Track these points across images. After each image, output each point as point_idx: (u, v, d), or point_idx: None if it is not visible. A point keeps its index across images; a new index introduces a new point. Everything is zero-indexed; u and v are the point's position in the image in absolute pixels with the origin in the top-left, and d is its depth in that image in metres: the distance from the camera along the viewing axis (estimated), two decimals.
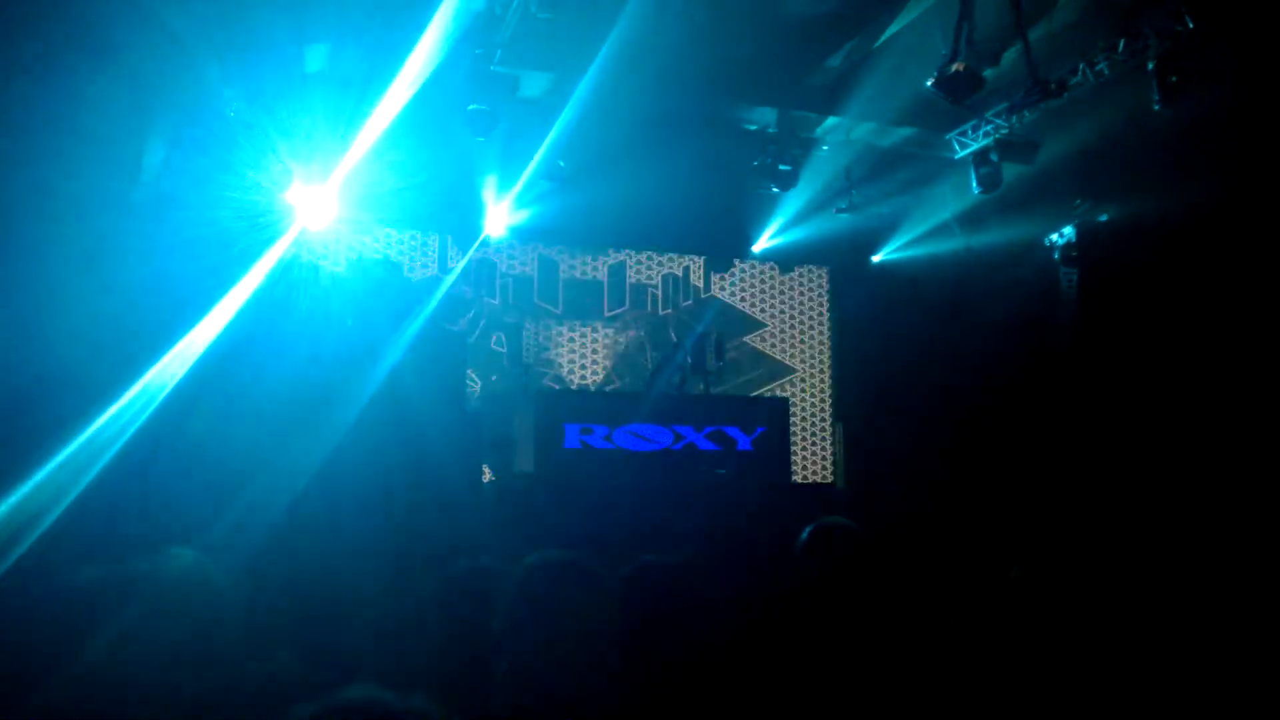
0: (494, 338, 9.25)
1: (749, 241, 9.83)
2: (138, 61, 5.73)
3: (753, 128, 8.44)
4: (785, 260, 10.18)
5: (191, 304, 6.06)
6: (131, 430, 4.97)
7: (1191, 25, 6.18)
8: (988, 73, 6.26)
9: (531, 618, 2.05)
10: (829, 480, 9.94)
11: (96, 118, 5.99)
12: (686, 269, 10.13)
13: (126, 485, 4.61)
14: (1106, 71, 6.86)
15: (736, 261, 10.12)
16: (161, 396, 5.23)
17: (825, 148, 8.56)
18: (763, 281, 10.33)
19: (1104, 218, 8.07)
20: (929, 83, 5.94)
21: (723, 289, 10.17)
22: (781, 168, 8.46)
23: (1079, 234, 8.07)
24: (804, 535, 2.75)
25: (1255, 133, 6.58)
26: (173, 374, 5.45)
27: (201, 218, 6.54)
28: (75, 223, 5.72)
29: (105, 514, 4.25)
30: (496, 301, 9.41)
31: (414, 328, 7.57)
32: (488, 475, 7.69)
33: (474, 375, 9.10)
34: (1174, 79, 6.26)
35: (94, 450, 4.76)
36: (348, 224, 8.77)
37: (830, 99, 7.74)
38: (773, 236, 9.69)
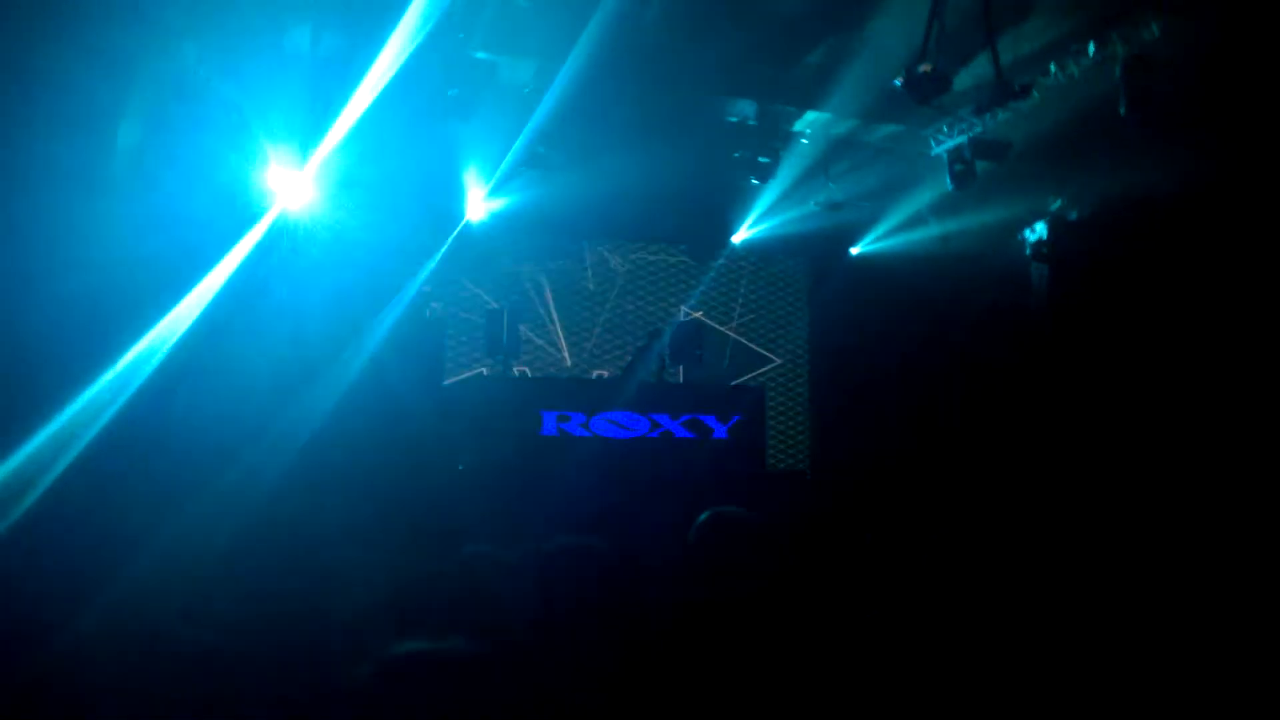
0: (472, 324, 9.28)
1: (729, 232, 9.92)
2: (112, 39, 5.68)
3: (733, 120, 8.52)
4: (765, 251, 10.29)
5: (170, 285, 6.04)
6: (110, 411, 4.97)
7: (1158, 34, 6.34)
8: (960, 72, 6.37)
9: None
10: (802, 468, 10.09)
11: (69, 96, 5.93)
12: (667, 258, 10.20)
13: (105, 465, 4.61)
14: (1076, 74, 7.01)
15: (718, 252, 10.21)
16: (141, 378, 5.23)
17: (805, 141, 8.66)
18: (743, 272, 10.44)
19: (1074, 215, 8.25)
20: (896, 82, 6.06)
21: (703, 278, 10.26)
22: (761, 160, 8.54)
23: (1050, 230, 8.24)
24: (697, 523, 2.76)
25: (1222, 124, 6.75)
26: (152, 355, 5.44)
27: (179, 198, 6.50)
28: (50, 201, 5.68)
29: (85, 494, 4.26)
30: (476, 287, 9.43)
31: (393, 312, 7.60)
32: (465, 460, 7.75)
33: (452, 360, 9.12)
34: (1141, 85, 6.42)
35: (72, 430, 4.76)
36: (327, 206, 8.73)
37: (809, 94, 7.82)
38: (752, 228, 9.79)
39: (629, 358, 8.99)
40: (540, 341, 9.65)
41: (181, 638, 2.11)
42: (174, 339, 5.75)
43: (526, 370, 9.41)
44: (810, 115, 8.34)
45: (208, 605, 2.49)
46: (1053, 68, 7.16)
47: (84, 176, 6.23)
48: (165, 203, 6.31)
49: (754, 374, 10.32)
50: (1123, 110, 6.61)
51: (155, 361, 5.35)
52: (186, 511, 3.57)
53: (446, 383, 8.83)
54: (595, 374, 9.70)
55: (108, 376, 5.10)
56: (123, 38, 6.23)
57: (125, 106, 6.73)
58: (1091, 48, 6.89)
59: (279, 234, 8.12)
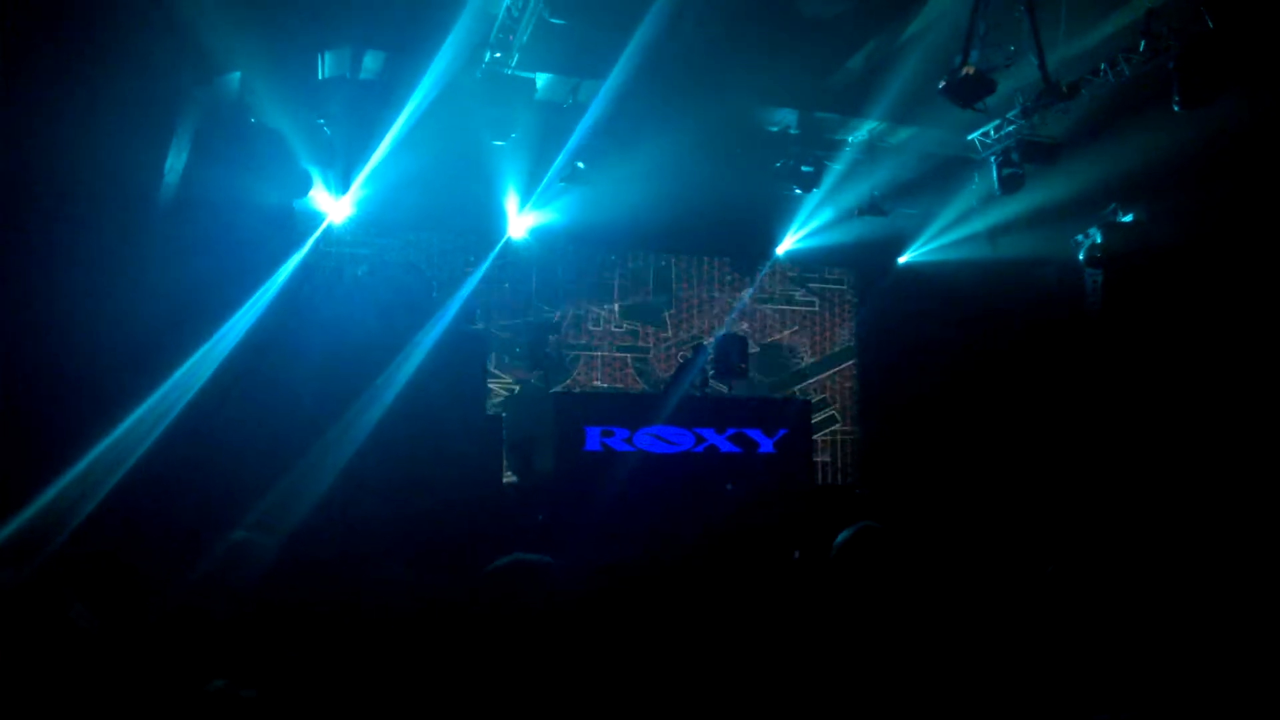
0: (515, 339, 9.28)
1: (774, 243, 9.81)
2: (160, 66, 5.81)
3: (774, 129, 8.43)
4: (810, 262, 10.14)
5: (216, 306, 6.12)
6: (157, 431, 5.02)
7: (1212, 25, 6.11)
8: (1005, 74, 6.22)
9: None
10: (850, 483, 9.88)
11: (119, 122, 6.07)
12: (711, 271, 10.11)
13: (152, 485, 4.66)
14: (1127, 72, 6.80)
15: (761, 263, 10.10)
16: (187, 397, 5.29)
17: (847, 149, 8.53)
18: (788, 283, 10.30)
19: (1129, 218, 7.98)
20: (939, 86, 5.93)
21: (748, 290, 10.15)
22: (804, 169, 8.43)
23: (1104, 235, 7.98)
24: (840, 540, 2.71)
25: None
26: (198, 375, 5.51)
27: (225, 221, 6.61)
28: (100, 225, 5.80)
29: (134, 507, 4.30)
30: (518, 303, 9.43)
31: (436, 329, 7.62)
32: (508, 477, 7.71)
33: (495, 376, 9.12)
34: (1195, 79, 6.20)
35: (119, 452, 4.82)
36: (370, 227, 8.84)
37: (851, 100, 7.71)
38: (797, 238, 9.66)
39: (673, 372, 8.89)
40: (583, 356, 9.61)
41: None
42: (219, 358, 5.82)
43: (569, 386, 9.38)
44: (852, 122, 8.22)
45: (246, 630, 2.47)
46: (1103, 66, 6.94)
47: (134, 205, 6.36)
48: (212, 227, 6.42)
49: (799, 385, 10.15)
50: (1176, 106, 6.38)
51: (200, 380, 5.41)
52: (229, 531, 3.56)
53: (490, 399, 8.83)
54: (637, 389, 9.62)
55: (155, 395, 5.16)
56: (170, 69, 6.38)
57: (174, 136, 6.88)
58: (1142, 45, 6.67)
59: (322, 255, 8.24)
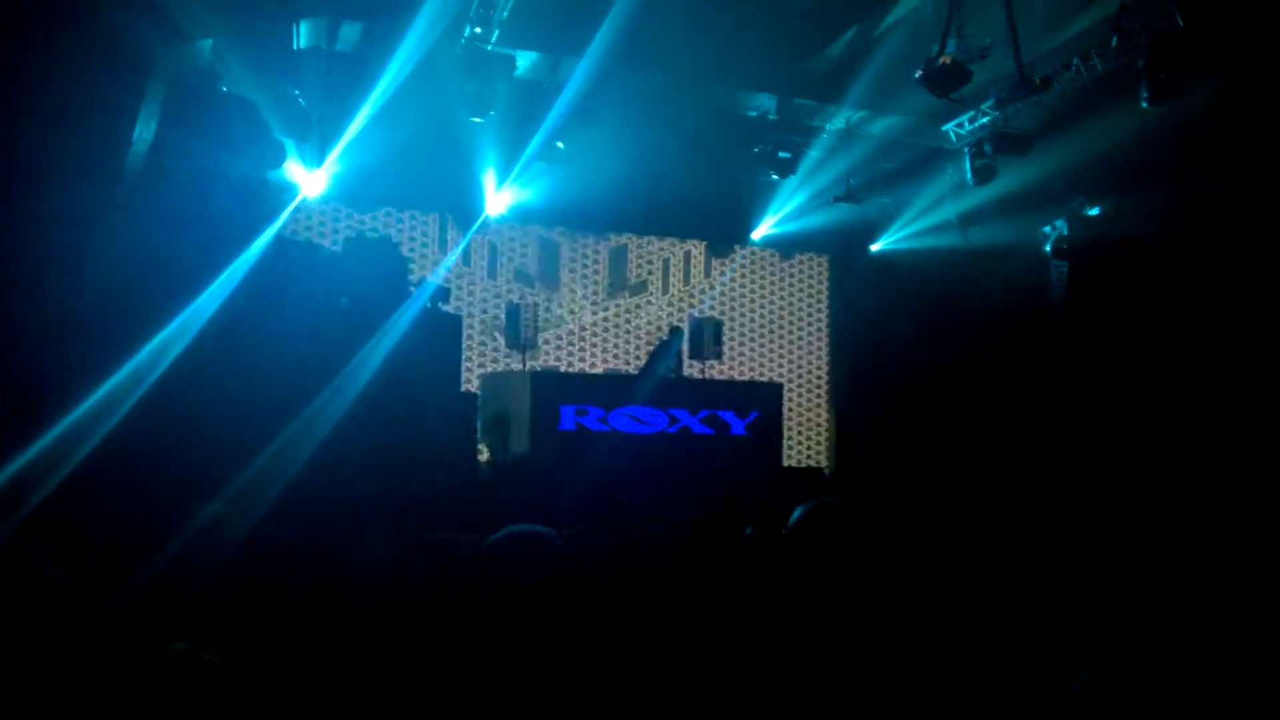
0: (492, 318, 9.26)
1: (749, 228, 9.86)
2: (128, 36, 5.68)
3: (753, 114, 8.46)
4: (785, 247, 10.21)
5: (188, 280, 6.04)
6: (126, 406, 4.97)
7: (1182, 24, 6.25)
8: (981, 66, 6.31)
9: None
10: (820, 465, 10.03)
11: (84, 91, 5.93)
12: (688, 254, 10.15)
13: (120, 458, 4.61)
14: (1100, 67, 6.92)
15: (737, 247, 10.15)
16: (157, 372, 5.23)
17: (825, 135, 8.59)
18: (763, 268, 10.37)
19: (1094, 211, 8.15)
20: (916, 75, 6.00)
21: (723, 274, 10.21)
22: (781, 155, 8.48)
23: (1071, 228, 8.16)
24: (797, 514, 2.77)
25: (1246, 130, 6.66)
26: (169, 349, 5.45)
27: (196, 192, 6.51)
28: (65, 195, 5.69)
29: (100, 488, 4.26)
30: (495, 282, 9.41)
31: (412, 307, 7.58)
32: (484, 455, 7.73)
33: (471, 355, 9.11)
34: (1163, 76, 6.33)
35: (88, 424, 4.76)
36: (345, 202, 8.74)
37: (829, 88, 7.76)
38: (773, 223, 9.73)
39: (648, 353, 8.95)
40: (560, 336, 9.63)
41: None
42: (191, 333, 5.75)
43: (545, 365, 9.39)
44: (830, 109, 8.27)
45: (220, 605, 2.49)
46: (1075, 61, 7.06)
47: (101, 173, 6.24)
48: (183, 198, 6.31)
49: (771, 369, 10.26)
50: (1145, 103, 6.52)
51: (171, 356, 5.35)
52: (202, 507, 3.55)
53: (465, 377, 8.83)
54: (613, 369, 9.66)
55: (124, 371, 5.10)
56: (139, 34, 6.23)
57: (142, 103, 6.73)
58: (1114, 41, 6.79)
59: (296, 230, 8.14)
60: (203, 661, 1.95)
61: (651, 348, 8.86)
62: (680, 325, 8.81)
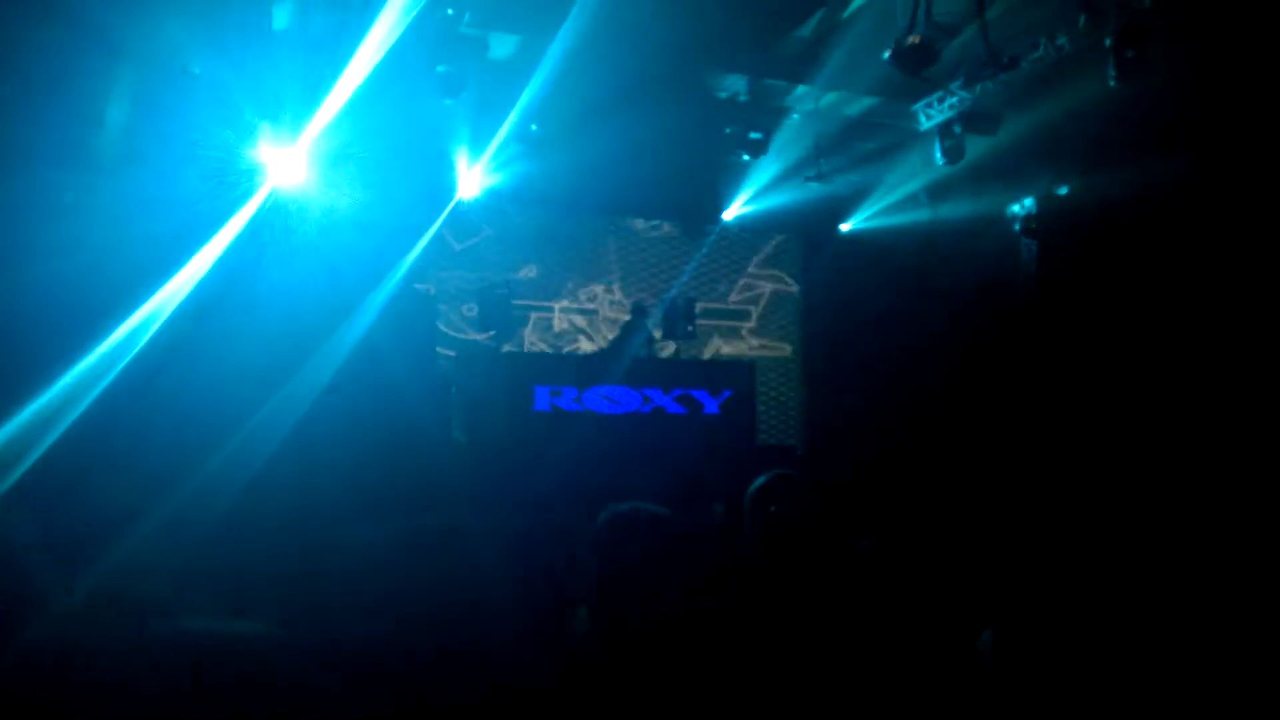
0: (466, 300, 9.31)
1: (721, 208, 9.92)
2: (99, 17, 5.66)
3: (724, 95, 8.49)
4: (757, 227, 10.29)
5: (161, 264, 6.06)
6: (97, 391, 5.01)
7: (1149, 3, 6.32)
8: (950, 46, 6.36)
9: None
10: (792, 444, 10.18)
11: (54, 71, 5.91)
12: (660, 234, 10.21)
13: (92, 445, 4.67)
14: (1067, 46, 6.99)
15: (709, 228, 10.22)
16: (129, 357, 5.27)
17: (795, 116, 8.64)
18: (735, 248, 10.45)
19: (1063, 190, 8.25)
20: (885, 55, 6.05)
21: (696, 254, 10.27)
22: (752, 135, 8.53)
23: (1039, 206, 8.26)
24: (752, 487, 2.86)
25: (1211, 110, 6.76)
26: (141, 334, 5.49)
27: (169, 177, 6.50)
28: (37, 181, 5.69)
29: (71, 474, 4.32)
30: (469, 264, 9.45)
31: (386, 289, 7.63)
32: (458, 435, 7.82)
33: (445, 336, 9.17)
34: (1130, 55, 6.40)
35: (58, 410, 4.81)
36: (319, 184, 8.73)
37: (800, 68, 7.79)
38: (745, 203, 9.79)
39: (616, 333, 9.03)
40: (533, 316, 9.69)
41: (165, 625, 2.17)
42: (164, 317, 5.78)
43: (520, 346, 9.47)
44: (800, 90, 8.31)
45: (191, 588, 2.56)
46: (1043, 40, 7.12)
47: (71, 156, 6.23)
48: (154, 181, 6.31)
49: (744, 348, 10.38)
50: (1112, 81, 6.60)
51: (144, 340, 5.39)
52: (175, 491, 3.63)
53: (441, 359, 8.89)
54: (585, 350, 9.75)
55: (96, 356, 5.14)
56: (109, 15, 6.20)
57: (113, 85, 6.70)
58: (1082, 20, 6.85)
59: (270, 212, 8.14)
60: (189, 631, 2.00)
61: (619, 328, 8.92)
62: (646, 304, 8.89)
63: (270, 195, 8.07)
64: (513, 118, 8.01)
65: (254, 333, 5.83)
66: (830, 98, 8.38)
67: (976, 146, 8.13)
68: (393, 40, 7.10)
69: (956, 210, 8.82)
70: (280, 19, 7.44)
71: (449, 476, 6.50)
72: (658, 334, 8.82)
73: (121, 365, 5.19)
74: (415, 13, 6.99)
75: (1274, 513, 4.42)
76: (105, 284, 5.52)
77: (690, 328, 8.58)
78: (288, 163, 8.01)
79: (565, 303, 9.85)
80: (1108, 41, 6.64)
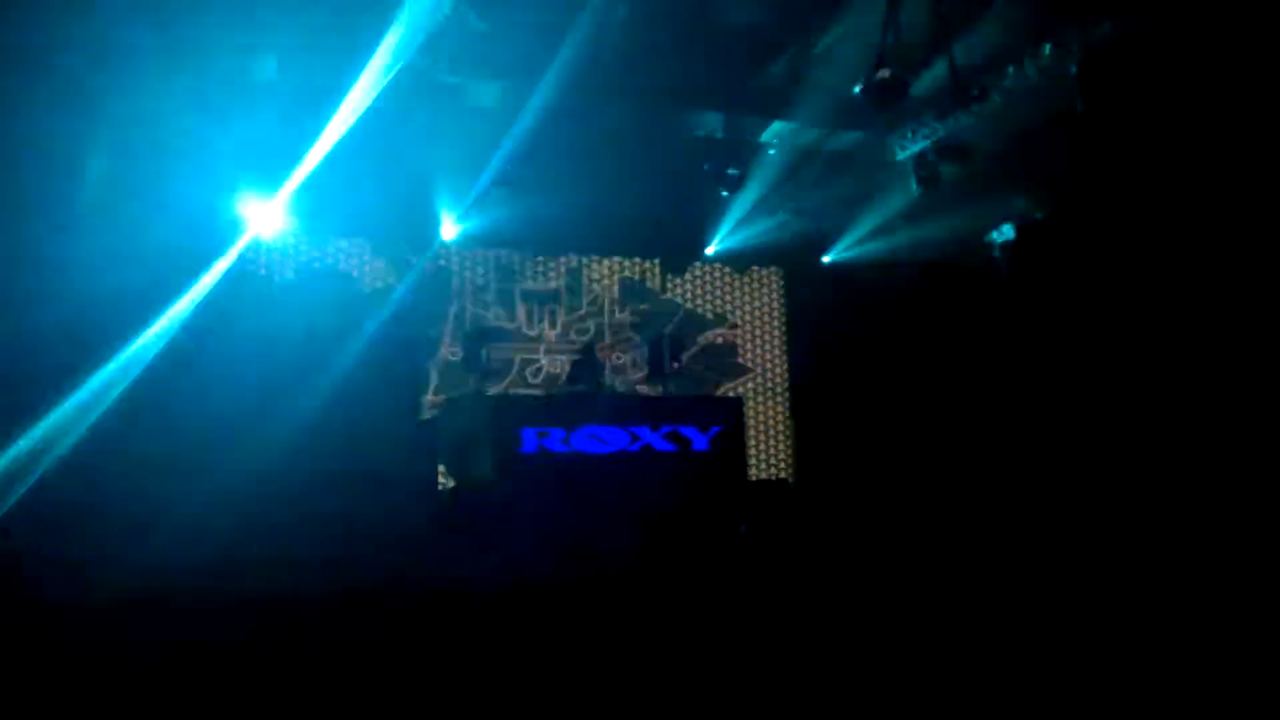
0: (449, 345, 9.27)
1: (703, 244, 9.97)
2: (78, 72, 5.69)
3: (700, 133, 8.59)
4: (739, 262, 10.33)
5: (137, 316, 6.02)
6: (74, 437, 4.94)
7: (1112, 30, 6.45)
8: (922, 77, 6.46)
9: None
10: (784, 478, 10.09)
11: (32, 124, 5.91)
12: (643, 272, 10.23)
13: (69, 495, 4.58)
14: (1034, 75, 7.11)
15: (692, 264, 10.25)
16: (106, 404, 5.21)
17: (772, 151, 8.73)
18: (718, 283, 10.47)
19: (1039, 215, 8.33)
20: (856, 89, 6.13)
21: (679, 292, 10.28)
22: (730, 171, 8.61)
23: (1018, 232, 8.32)
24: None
25: (1179, 134, 6.85)
26: (118, 382, 5.43)
27: (147, 229, 6.48)
28: (15, 234, 5.66)
29: (49, 521, 4.23)
30: (453, 308, 9.42)
31: (366, 339, 7.58)
32: (446, 482, 7.72)
33: (430, 382, 9.10)
34: (1095, 83, 6.52)
35: (35, 457, 4.73)
36: (299, 235, 8.74)
37: (773, 104, 7.90)
38: (726, 239, 9.84)
39: (569, 373, 8.88)
40: (518, 359, 9.64)
41: None
42: (140, 367, 5.73)
43: (504, 388, 9.40)
44: (776, 126, 8.42)
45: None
46: (1010, 70, 7.25)
47: (50, 210, 6.21)
48: (133, 234, 6.29)
49: (732, 384, 10.34)
50: (1079, 107, 6.71)
51: (118, 391, 5.33)
52: (150, 539, 3.55)
53: (426, 405, 8.82)
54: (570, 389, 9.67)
55: (74, 404, 5.08)
56: (89, 70, 6.24)
57: (92, 139, 6.71)
58: (1047, 49, 6.98)
59: (249, 263, 8.11)
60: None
61: (571, 366, 8.79)
62: (592, 344, 8.88)
63: (251, 246, 8.06)
64: (492, 162, 8.08)
65: (232, 383, 5.77)
66: (805, 131, 8.49)
67: (953, 173, 8.22)
68: (374, 90, 7.16)
69: (936, 236, 8.87)
70: (261, 71, 7.49)
71: (433, 522, 6.40)
72: (641, 375, 8.78)
73: (98, 413, 5.12)
74: (393, 63, 7.06)
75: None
76: (81, 338, 5.47)
77: (676, 364, 8.54)
78: (268, 213, 8.02)
79: (551, 344, 9.80)
80: (1073, 69, 6.77)
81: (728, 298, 10.50)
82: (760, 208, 9.23)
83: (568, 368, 8.70)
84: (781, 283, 10.66)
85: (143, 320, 5.94)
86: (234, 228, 7.71)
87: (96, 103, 6.29)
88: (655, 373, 8.82)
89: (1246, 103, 6.05)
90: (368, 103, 7.22)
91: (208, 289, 6.63)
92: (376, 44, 6.84)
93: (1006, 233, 8.32)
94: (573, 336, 9.81)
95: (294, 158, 7.66)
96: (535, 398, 9.26)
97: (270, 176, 7.81)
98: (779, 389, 10.50)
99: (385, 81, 7.11)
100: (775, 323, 10.62)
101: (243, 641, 3.11)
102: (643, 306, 10.14)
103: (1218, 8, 6.01)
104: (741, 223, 9.48)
